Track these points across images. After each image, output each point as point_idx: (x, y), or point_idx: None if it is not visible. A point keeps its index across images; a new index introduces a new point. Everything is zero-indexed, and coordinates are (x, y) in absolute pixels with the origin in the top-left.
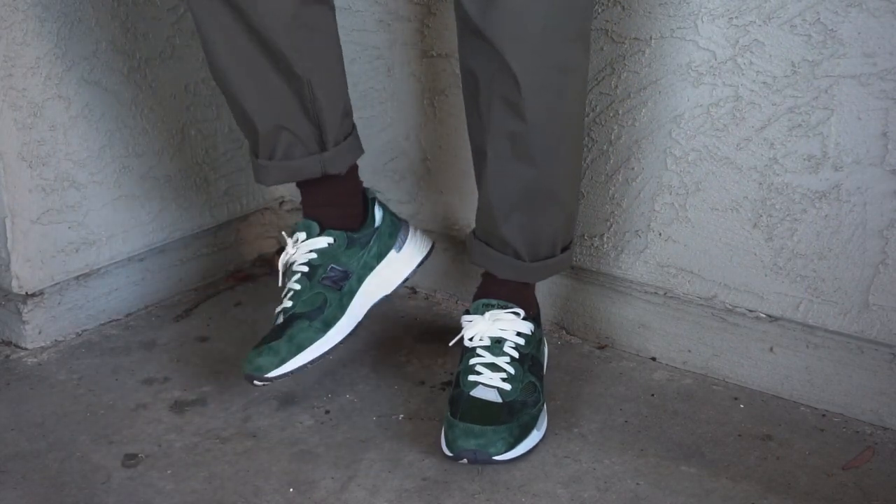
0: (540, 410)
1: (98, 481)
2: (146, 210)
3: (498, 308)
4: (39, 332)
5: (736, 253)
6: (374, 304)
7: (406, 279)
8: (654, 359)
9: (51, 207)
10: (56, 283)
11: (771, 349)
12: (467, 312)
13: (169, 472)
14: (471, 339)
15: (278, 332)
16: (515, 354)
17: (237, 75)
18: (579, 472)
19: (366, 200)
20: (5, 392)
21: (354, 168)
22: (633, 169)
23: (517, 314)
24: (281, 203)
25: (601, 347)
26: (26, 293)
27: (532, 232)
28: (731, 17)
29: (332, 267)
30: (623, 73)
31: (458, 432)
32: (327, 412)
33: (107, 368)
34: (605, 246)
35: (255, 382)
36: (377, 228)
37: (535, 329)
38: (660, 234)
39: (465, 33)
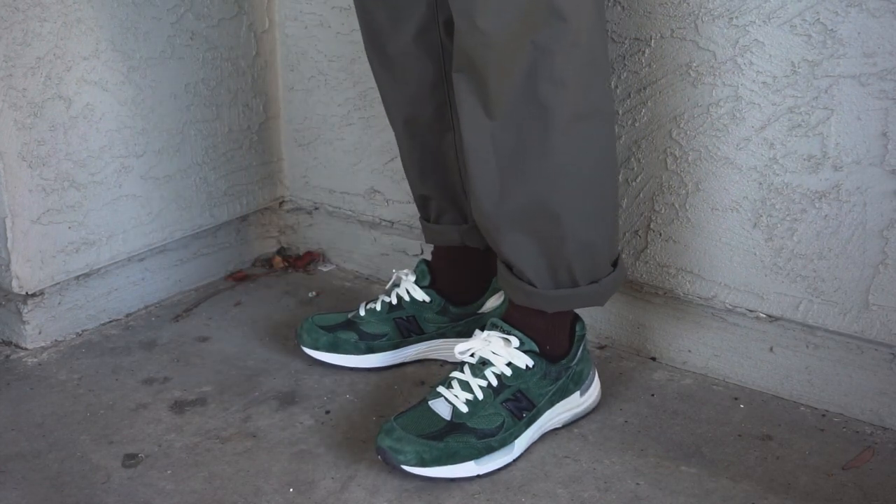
0: (491, 448)
1: (98, 481)
2: (146, 210)
3: (500, 331)
4: (39, 332)
5: (736, 253)
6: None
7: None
8: (654, 359)
9: (51, 207)
10: (56, 283)
11: (771, 349)
12: (481, 327)
13: (169, 472)
14: (462, 353)
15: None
16: (494, 382)
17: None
18: (579, 472)
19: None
20: (5, 392)
21: None
22: (633, 169)
23: (508, 341)
24: (281, 203)
25: (601, 347)
26: (26, 293)
27: (539, 256)
28: (731, 17)
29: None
30: (623, 73)
31: (384, 427)
32: (327, 412)
33: (107, 368)
34: None
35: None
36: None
37: (535, 366)
38: (660, 234)
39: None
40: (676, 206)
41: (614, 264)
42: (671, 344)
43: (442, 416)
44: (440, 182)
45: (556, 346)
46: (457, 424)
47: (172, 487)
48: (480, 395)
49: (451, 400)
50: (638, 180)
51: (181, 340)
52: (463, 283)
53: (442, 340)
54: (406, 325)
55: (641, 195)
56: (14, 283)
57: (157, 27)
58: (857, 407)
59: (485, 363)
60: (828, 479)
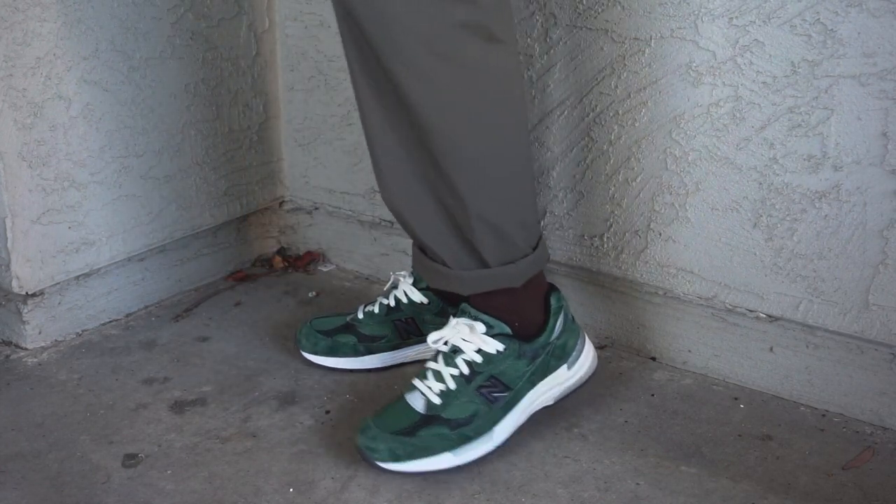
0: (467, 437)
1: (98, 481)
2: (146, 210)
3: (468, 317)
4: (39, 332)
5: (736, 253)
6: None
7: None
8: (654, 359)
9: (51, 207)
10: (56, 283)
11: (771, 349)
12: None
13: (169, 472)
14: (435, 342)
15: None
16: (466, 370)
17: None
18: (579, 472)
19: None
20: (5, 392)
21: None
22: (633, 169)
23: (473, 327)
24: (281, 203)
25: (601, 347)
26: (26, 293)
27: (449, 236)
28: (731, 17)
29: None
30: (623, 73)
31: (361, 426)
32: (327, 412)
33: (107, 368)
34: (605, 246)
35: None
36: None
37: (507, 349)
38: (660, 234)
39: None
40: (676, 206)
41: (535, 247)
42: (671, 344)
43: (417, 409)
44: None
45: (529, 323)
46: (431, 417)
47: (172, 487)
48: (453, 385)
49: (425, 392)
50: (638, 180)
51: (181, 340)
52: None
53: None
54: (405, 326)
55: (641, 195)
56: (14, 283)
57: (157, 27)
58: (857, 407)
59: (456, 351)
60: (828, 479)
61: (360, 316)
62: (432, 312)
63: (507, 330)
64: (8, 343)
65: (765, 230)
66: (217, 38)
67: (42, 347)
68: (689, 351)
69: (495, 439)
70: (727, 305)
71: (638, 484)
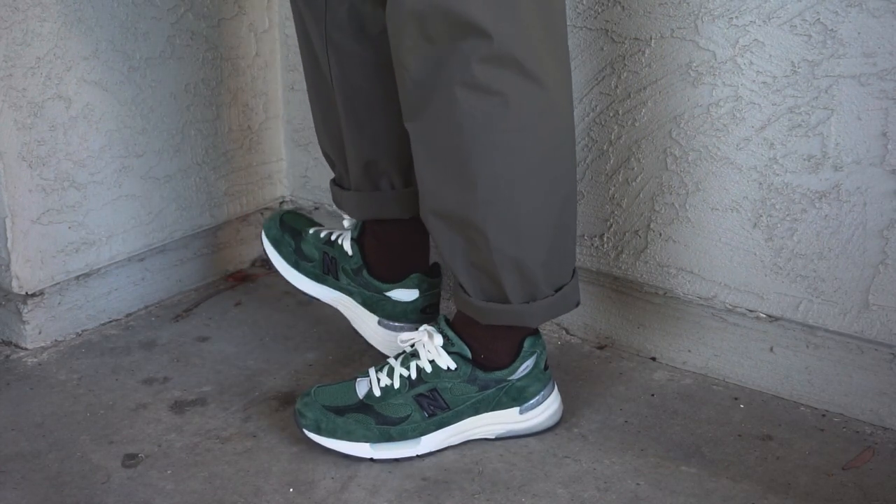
0: (389, 437)
1: (98, 481)
2: (146, 210)
3: (436, 328)
4: (39, 332)
5: (736, 253)
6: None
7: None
8: (654, 359)
9: (51, 207)
10: (56, 283)
11: (771, 349)
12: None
13: (169, 472)
14: (403, 342)
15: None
16: (413, 375)
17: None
18: (579, 472)
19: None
20: (5, 392)
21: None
22: (633, 169)
23: (433, 337)
24: (281, 203)
25: (601, 347)
26: (26, 293)
27: (470, 264)
28: (731, 17)
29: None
30: (623, 73)
31: (306, 390)
32: None
33: (107, 368)
34: (605, 246)
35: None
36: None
37: (458, 369)
38: (660, 234)
39: None
40: (676, 206)
41: (559, 289)
42: (671, 344)
43: (357, 394)
44: (336, 141)
45: (494, 358)
46: (365, 405)
47: (172, 487)
48: (396, 384)
49: (372, 381)
50: (638, 180)
51: (181, 340)
52: (382, 254)
53: (349, 300)
54: (330, 263)
55: (641, 195)
56: (14, 283)
57: (157, 27)
58: (857, 407)
59: (414, 355)
60: (828, 479)
61: (311, 232)
62: (350, 267)
63: (467, 353)
64: (8, 343)
65: (765, 230)
66: (217, 38)
67: (42, 347)
68: (689, 351)
69: (421, 448)
70: (727, 305)
71: (638, 484)
